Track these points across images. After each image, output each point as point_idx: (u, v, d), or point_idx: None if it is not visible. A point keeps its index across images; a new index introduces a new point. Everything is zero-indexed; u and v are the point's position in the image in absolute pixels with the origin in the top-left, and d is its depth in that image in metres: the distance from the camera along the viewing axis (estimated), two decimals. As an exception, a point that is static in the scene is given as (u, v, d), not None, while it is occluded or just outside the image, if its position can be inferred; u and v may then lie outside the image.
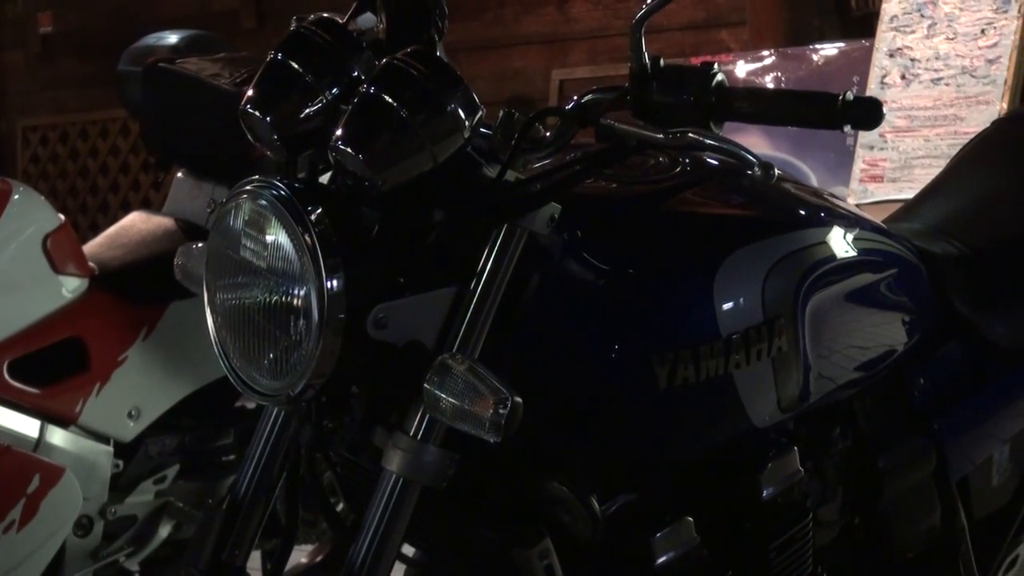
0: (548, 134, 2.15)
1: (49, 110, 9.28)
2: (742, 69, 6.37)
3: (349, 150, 1.95)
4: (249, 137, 2.14)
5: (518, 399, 1.88)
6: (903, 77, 5.72)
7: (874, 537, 2.58)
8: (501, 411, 1.87)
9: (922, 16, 5.76)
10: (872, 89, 5.69)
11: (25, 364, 3.38)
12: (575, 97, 2.22)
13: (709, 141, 2.10)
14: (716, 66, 2.15)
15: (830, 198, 2.64)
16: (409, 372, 1.99)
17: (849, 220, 2.53)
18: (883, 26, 5.85)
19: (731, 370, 2.19)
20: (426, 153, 1.97)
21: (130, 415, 3.51)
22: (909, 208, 2.98)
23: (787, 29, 6.37)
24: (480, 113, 2.02)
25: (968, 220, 2.84)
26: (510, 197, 2.07)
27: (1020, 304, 2.76)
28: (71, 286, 3.52)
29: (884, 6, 5.86)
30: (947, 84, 5.57)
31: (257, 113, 2.07)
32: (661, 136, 2.08)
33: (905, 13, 5.83)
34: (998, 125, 3.27)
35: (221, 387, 3.56)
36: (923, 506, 2.61)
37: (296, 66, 2.07)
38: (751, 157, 2.05)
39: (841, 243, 2.44)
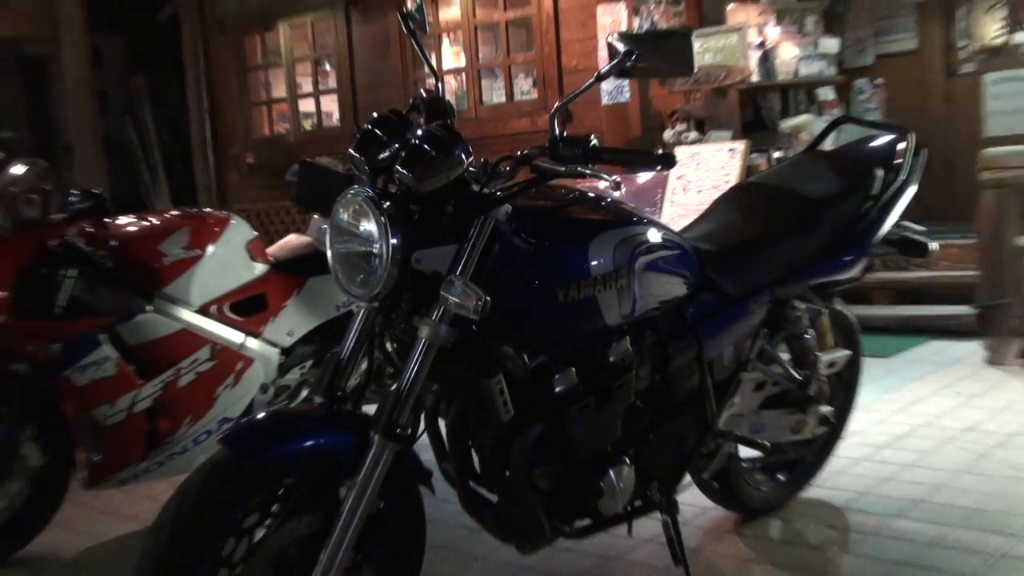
0: (507, 169, 2.45)
1: (250, 201, 9.43)
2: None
3: (405, 172, 2.29)
4: (352, 167, 2.44)
5: (487, 298, 2.22)
6: (684, 190, 6.32)
7: (665, 387, 2.77)
8: (479, 303, 2.21)
9: (691, 158, 6.39)
10: (668, 196, 6.36)
11: (237, 305, 3.69)
12: (520, 151, 2.47)
13: (588, 171, 2.39)
14: (592, 136, 2.38)
15: (650, 215, 2.92)
16: (432, 286, 2.28)
17: (659, 226, 2.76)
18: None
19: (595, 294, 2.48)
20: (443, 175, 2.30)
21: (288, 334, 3.80)
22: (685, 230, 3.10)
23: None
24: (471, 158, 2.35)
25: (713, 234, 3.00)
26: (485, 201, 2.36)
27: (735, 275, 2.91)
28: (259, 268, 3.81)
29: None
30: (700, 192, 6.15)
31: (357, 154, 2.38)
32: (564, 169, 2.39)
33: (684, 157, 6.42)
34: (727, 192, 3.40)
35: (329, 323, 3.92)
36: (689, 373, 2.82)
37: (378, 132, 2.37)
38: (608, 179, 2.41)
39: (655, 235, 2.68)
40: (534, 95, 8.07)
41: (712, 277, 2.90)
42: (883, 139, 3.38)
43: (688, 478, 3.05)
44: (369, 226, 2.31)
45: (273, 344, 3.79)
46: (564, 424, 2.52)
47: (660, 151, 2.42)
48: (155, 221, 3.81)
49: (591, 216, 2.64)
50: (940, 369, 5.31)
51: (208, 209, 4.02)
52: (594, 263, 2.50)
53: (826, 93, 7.62)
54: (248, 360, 3.70)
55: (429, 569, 2.96)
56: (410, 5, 2.67)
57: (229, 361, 3.66)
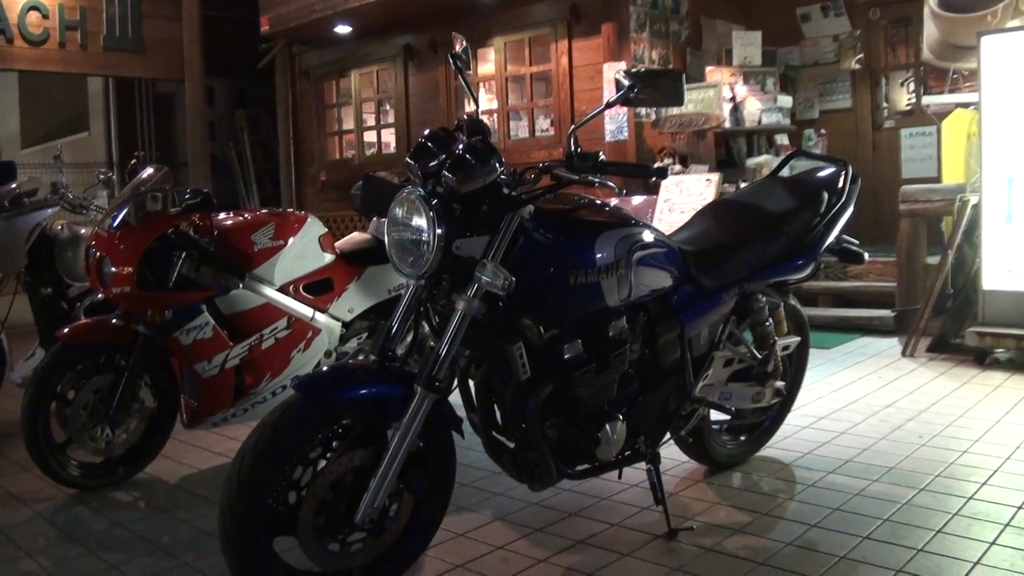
0: (532, 177, 2.42)
1: (322, 210, 9.13)
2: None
3: (450, 175, 2.26)
4: (407, 172, 2.41)
5: (513, 278, 2.24)
6: (670, 210, 6.18)
7: (653, 359, 2.72)
8: (506, 282, 2.23)
9: (676, 185, 6.26)
10: (657, 215, 6.23)
11: (309, 286, 3.65)
12: (541, 163, 2.43)
13: (597, 180, 2.36)
14: (601, 152, 2.37)
15: (646, 221, 2.83)
16: (468, 268, 2.27)
17: (653, 229, 2.69)
18: (661, 192, 6.33)
19: (599, 280, 2.43)
20: (480, 179, 2.27)
21: (349, 311, 3.75)
22: (672, 234, 2.97)
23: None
24: (503, 167, 2.32)
25: (694, 238, 2.94)
26: (513, 202, 2.33)
27: (712, 272, 2.85)
28: (328, 258, 3.75)
29: (663, 183, 6.29)
30: (683, 213, 5.89)
31: (412, 161, 2.36)
32: (577, 177, 2.35)
33: (670, 184, 6.31)
34: (706, 206, 3.33)
35: (382, 304, 3.83)
36: (672, 349, 2.76)
37: (430, 144, 2.35)
38: (613, 185, 2.46)
39: (649, 236, 2.62)
40: (551, 132, 7.99)
41: (693, 272, 2.84)
42: (828, 170, 3.32)
43: (668, 435, 2.99)
44: (420, 219, 2.29)
45: (336, 318, 3.74)
46: (571, 385, 2.47)
47: (657, 165, 2.37)
48: (249, 217, 3.76)
49: (598, 218, 2.58)
50: (867, 359, 5.22)
51: (291, 209, 3.95)
52: (599, 255, 2.45)
53: (782, 139, 7.64)
54: (316, 330, 3.66)
55: (459, 503, 3.07)
56: (458, 48, 2.63)
57: (302, 330, 3.62)
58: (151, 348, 3.45)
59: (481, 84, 8.64)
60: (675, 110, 7.26)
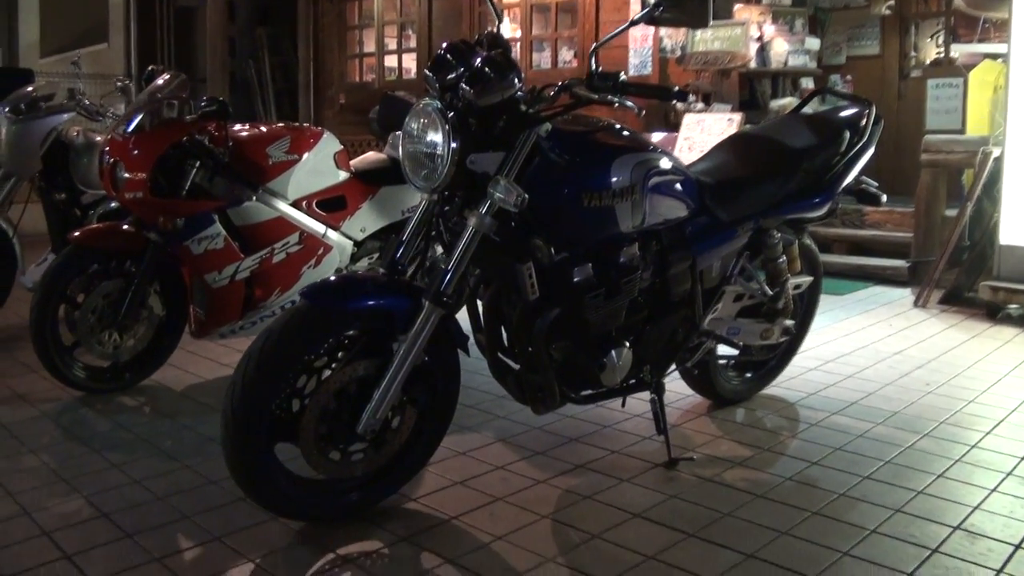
0: (551, 94, 2.33)
1: (340, 133, 9.19)
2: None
3: (468, 88, 2.20)
4: (426, 84, 2.32)
5: (526, 195, 2.20)
6: (690, 149, 6.10)
7: (663, 289, 2.68)
8: (518, 199, 2.19)
9: (697, 124, 6.23)
10: (676, 153, 5.84)
11: (322, 203, 3.61)
12: (561, 81, 2.36)
13: (616, 100, 2.30)
14: (622, 72, 2.30)
15: (665, 149, 2.75)
16: (482, 184, 2.23)
17: (671, 157, 2.65)
18: (681, 130, 6.31)
19: (613, 204, 2.38)
20: (498, 94, 2.21)
21: (361, 230, 3.72)
22: (690, 165, 2.92)
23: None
24: (522, 82, 2.26)
25: (712, 170, 2.88)
26: (530, 119, 2.28)
27: (727, 204, 2.80)
28: (342, 175, 3.70)
29: (684, 121, 6.25)
30: (703, 151, 5.76)
31: (430, 73, 2.28)
32: (596, 97, 2.30)
33: (690, 123, 6.27)
34: (726, 138, 3.25)
35: (394, 224, 3.77)
36: (683, 280, 2.71)
37: (449, 56, 2.28)
38: (631, 105, 2.33)
39: (666, 163, 2.57)
40: (574, 63, 7.85)
41: (709, 204, 2.79)
42: (851, 109, 3.23)
43: (674, 367, 2.95)
44: (435, 132, 2.24)
45: (349, 237, 3.72)
46: (579, 308, 2.44)
47: (676, 88, 2.31)
48: (264, 129, 3.70)
49: (616, 141, 2.52)
50: (878, 307, 5.16)
51: (307, 124, 3.90)
52: (614, 178, 2.40)
53: (807, 82, 7.44)
54: (328, 247, 3.63)
55: (461, 424, 3.08)
56: None
57: (313, 246, 3.59)
58: (162, 256, 3.44)
59: (505, 12, 8.47)
60: (700, 47, 7.11)
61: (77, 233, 3.48)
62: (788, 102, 6.93)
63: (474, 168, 2.24)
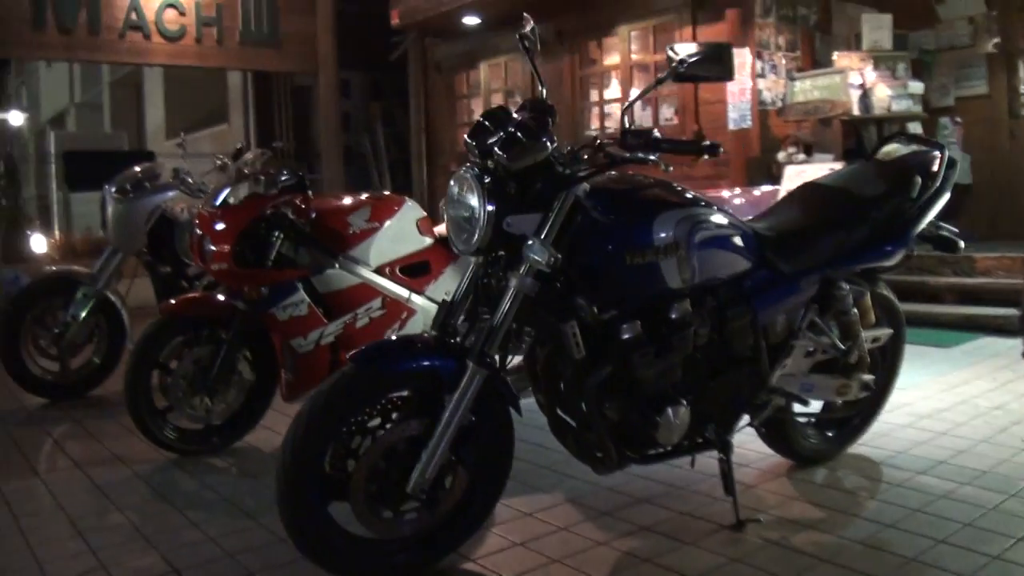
0: (586, 156, 2.38)
1: None
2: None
3: (501, 153, 2.25)
4: (465, 147, 2.37)
5: (559, 255, 2.24)
6: None
7: (723, 344, 2.63)
8: (551, 259, 2.22)
9: (798, 175, 5.98)
10: None
11: (406, 269, 3.71)
12: (596, 140, 2.39)
13: (651, 159, 2.29)
14: (654, 130, 2.31)
15: (715, 202, 2.64)
16: (519, 245, 2.26)
17: (722, 212, 2.60)
18: (783, 182, 6.24)
19: (657, 260, 2.37)
20: (531, 157, 2.26)
21: (446, 293, 3.52)
22: (756, 218, 2.93)
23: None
24: (555, 144, 2.29)
25: (775, 222, 2.84)
26: (567, 179, 2.31)
27: (789, 257, 2.73)
28: (426, 241, 3.77)
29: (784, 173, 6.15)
30: None
31: (470, 140, 2.33)
32: (628, 155, 2.31)
33: (791, 175, 6.14)
34: (794, 189, 3.16)
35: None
36: (744, 335, 2.65)
37: (487, 123, 2.34)
38: (659, 161, 2.30)
39: (715, 218, 2.54)
40: (675, 121, 7.85)
41: (770, 257, 2.73)
42: (923, 153, 3.14)
43: (742, 423, 2.86)
44: (472, 196, 2.30)
45: (433, 301, 3.75)
46: (630, 366, 2.42)
47: (707, 142, 2.30)
48: (347, 200, 3.85)
49: (659, 197, 2.50)
50: (985, 360, 4.88)
51: (388, 193, 4.04)
52: (657, 235, 2.39)
53: (914, 127, 7.20)
54: (411, 311, 3.71)
55: (531, 484, 3.12)
56: (526, 28, 2.58)
57: (397, 310, 3.68)
58: (250, 323, 3.58)
59: (611, 73, 8.58)
60: (800, 97, 7.03)
61: (169, 303, 3.69)
62: (892, 149, 6.70)
63: (511, 230, 2.28)
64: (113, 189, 4.80)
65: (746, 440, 3.24)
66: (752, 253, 2.67)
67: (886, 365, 3.30)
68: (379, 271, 3.68)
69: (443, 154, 10.43)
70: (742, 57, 7.00)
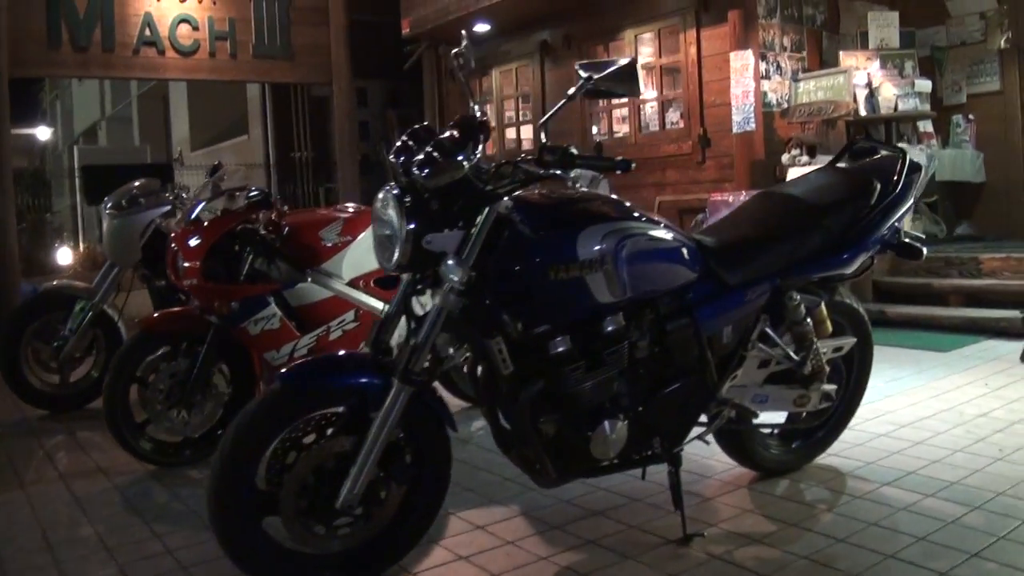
0: (509, 171, 2.36)
1: None
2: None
3: (417, 171, 2.25)
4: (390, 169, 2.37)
5: (473, 273, 2.23)
6: None
7: (665, 357, 2.58)
8: (463, 276, 2.22)
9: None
10: None
11: (380, 281, 3.56)
12: (516, 159, 2.40)
13: (560, 174, 2.29)
14: (569, 145, 2.30)
15: (645, 213, 2.59)
16: (438, 263, 2.26)
17: (658, 224, 2.55)
18: None
19: (582, 275, 2.33)
20: (447, 175, 2.25)
21: (421, 305, 3.72)
22: (708, 228, 2.96)
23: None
24: (473, 162, 2.27)
25: (723, 232, 2.82)
26: (489, 196, 2.30)
27: (734, 267, 2.68)
28: None
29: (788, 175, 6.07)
30: None
31: (392, 159, 2.34)
32: (541, 172, 2.30)
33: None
34: (749, 198, 3.13)
35: None
36: (688, 347, 2.60)
37: (410, 141, 2.34)
38: (568, 176, 2.29)
39: (649, 230, 2.49)
40: (681, 125, 7.79)
41: (714, 268, 2.69)
42: (885, 159, 3.08)
43: (696, 435, 2.82)
44: (392, 214, 2.30)
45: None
46: (560, 381, 2.40)
47: (619, 158, 2.28)
48: (319, 214, 3.89)
49: (586, 212, 2.46)
50: (981, 364, 4.76)
51: (361, 206, 4.06)
52: (582, 250, 2.35)
53: (925, 125, 7.12)
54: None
55: (490, 497, 3.12)
56: (463, 46, 2.56)
57: (371, 323, 3.55)
58: (224, 337, 3.62)
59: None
60: (804, 98, 6.96)
61: (147, 318, 3.75)
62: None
63: (431, 248, 2.27)
64: (109, 205, 4.88)
65: (713, 451, 3.19)
66: (695, 265, 2.63)
67: (853, 375, 3.24)
68: (353, 284, 3.70)
69: (459, 161, 10.43)
70: (744, 59, 6.93)
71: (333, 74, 9.67)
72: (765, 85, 7.00)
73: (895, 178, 2.95)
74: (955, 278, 5.98)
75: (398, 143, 2.37)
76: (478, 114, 2.45)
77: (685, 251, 2.61)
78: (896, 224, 3.00)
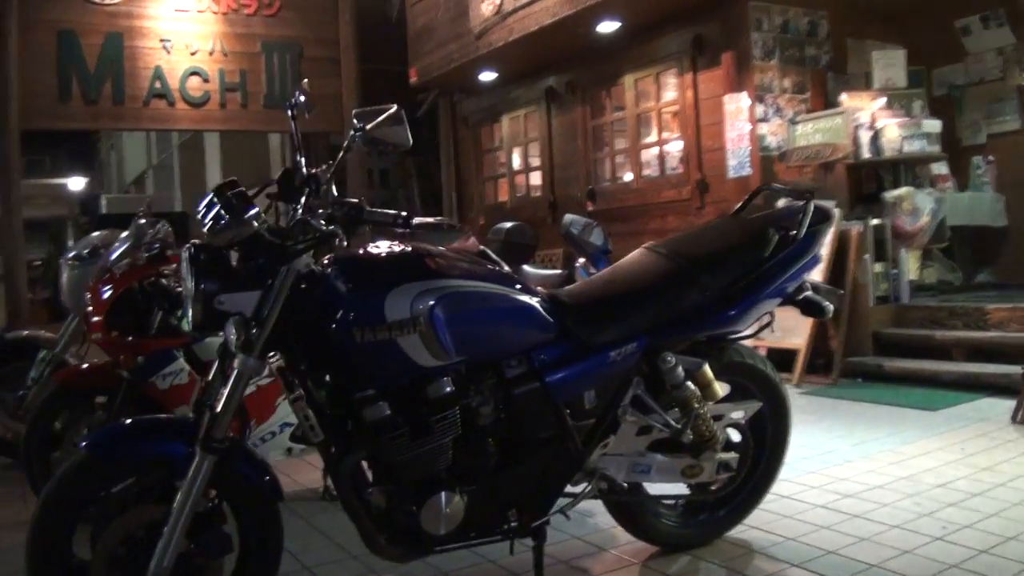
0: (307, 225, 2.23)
1: None
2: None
3: (206, 231, 2.17)
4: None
5: (253, 335, 2.14)
6: None
7: (514, 425, 2.42)
8: (240, 339, 2.14)
9: None
10: None
11: None
12: (307, 216, 2.25)
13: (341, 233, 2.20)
14: (362, 202, 2.26)
15: (492, 271, 2.45)
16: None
17: (496, 281, 2.41)
18: None
19: (394, 337, 2.18)
20: (232, 233, 2.15)
21: None
22: (581, 283, 2.84)
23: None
24: (262, 221, 2.18)
25: (586, 289, 2.68)
26: (286, 253, 2.20)
27: (593, 326, 2.50)
28: None
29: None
30: None
31: (198, 216, 2.23)
32: (329, 229, 2.20)
33: None
34: (632, 253, 2.84)
35: None
36: (543, 414, 2.45)
37: (214, 198, 2.19)
38: (340, 234, 2.21)
39: (480, 288, 2.35)
40: (680, 169, 7.60)
41: (571, 327, 2.50)
42: (789, 207, 2.88)
43: (558, 509, 2.59)
44: (185, 273, 2.22)
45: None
46: (381, 451, 2.25)
47: (403, 215, 2.20)
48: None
49: (402, 268, 2.31)
50: (966, 426, 4.40)
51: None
52: (390, 311, 2.20)
53: (939, 168, 6.79)
54: (304, 378, 3.62)
55: (375, 563, 2.82)
56: (300, 94, 2.45)
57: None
58: (136, 391, 3.53)
59: (616, 122, 8.43)
60: (801, 141, 6.72)
61: (63, 371, 3.77)
62: (904, 192, 6.32)
63: (223, 308, 2.16)
64: (70, 255, 4.91)
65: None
66: (546, 325, 2.46)
67: (765, 442, 2.98)
68: (271, 338, 3.62)
69: (473, 208, 10.43)
70: (738, 102, 6.73)
71: (344, 123, 9.71)
72: (764, 128, 6.78)
73: (797, 228, 2.73)
74: (959, 330, 5.63)
75: (206, 199, 2.26)
76: (303, 168, 2.33)
77: (532, 310, 2.44)
78: (799, 277, 2.78)
